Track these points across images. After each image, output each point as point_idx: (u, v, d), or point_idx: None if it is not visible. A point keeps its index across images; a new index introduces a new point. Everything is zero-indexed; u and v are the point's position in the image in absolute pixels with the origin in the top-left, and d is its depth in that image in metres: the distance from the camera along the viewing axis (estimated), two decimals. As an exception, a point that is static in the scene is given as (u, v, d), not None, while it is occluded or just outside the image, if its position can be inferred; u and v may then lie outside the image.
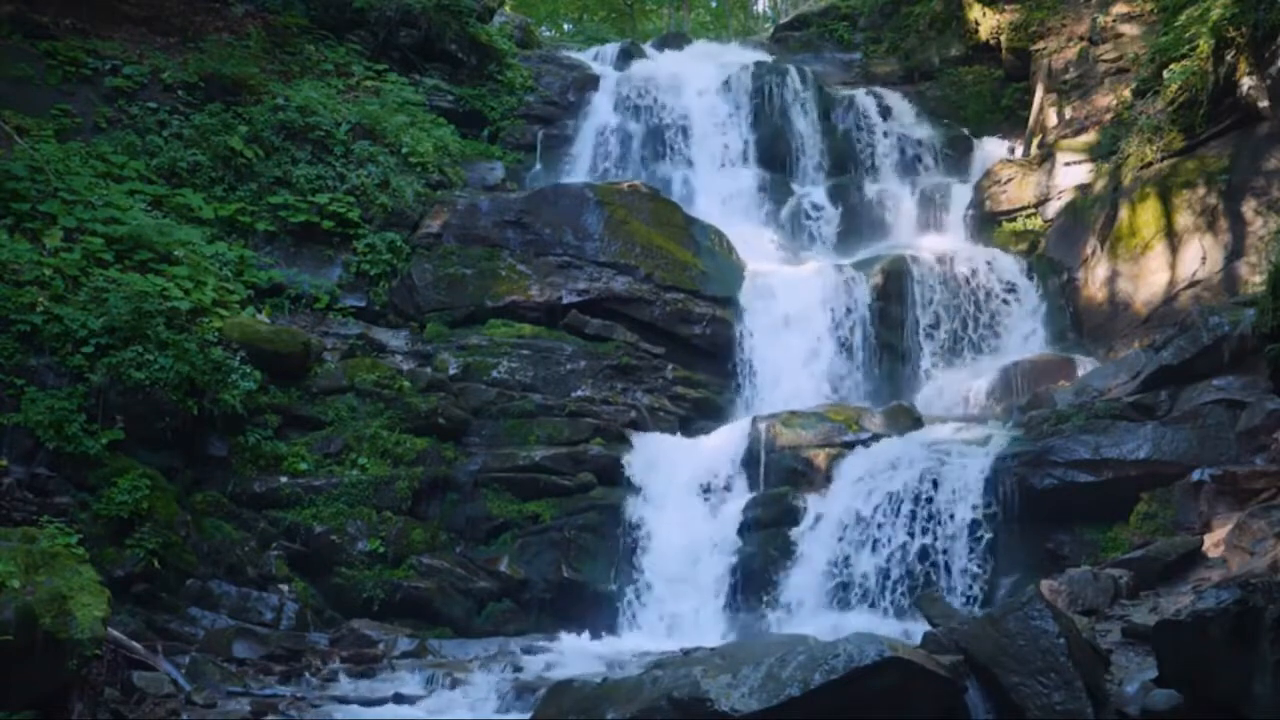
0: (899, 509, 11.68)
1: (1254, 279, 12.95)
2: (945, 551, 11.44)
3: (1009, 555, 11.29)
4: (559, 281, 14.85)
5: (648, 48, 22.51)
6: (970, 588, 11.25)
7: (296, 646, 10.69)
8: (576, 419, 13.55)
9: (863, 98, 19.47)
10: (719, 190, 18.00)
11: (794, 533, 12.09)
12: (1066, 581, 9.66)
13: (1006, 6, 19.98)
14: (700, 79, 19.47)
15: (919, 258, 15.68)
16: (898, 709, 6.93)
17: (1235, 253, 13.70)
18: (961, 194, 17.77)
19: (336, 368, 13.42)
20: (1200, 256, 14.00)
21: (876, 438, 12.77)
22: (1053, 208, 16.57)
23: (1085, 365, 13.80)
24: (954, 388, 14.58)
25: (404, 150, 16.22)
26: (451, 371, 13.80)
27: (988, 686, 7.07)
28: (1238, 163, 14.08)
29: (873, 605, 11.42)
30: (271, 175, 15.06)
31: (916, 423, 13.14)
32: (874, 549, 11.61)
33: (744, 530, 12.33)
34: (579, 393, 13.87)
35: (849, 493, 12.10)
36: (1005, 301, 15.50)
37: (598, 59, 21.22)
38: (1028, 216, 16.86)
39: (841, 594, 11.55)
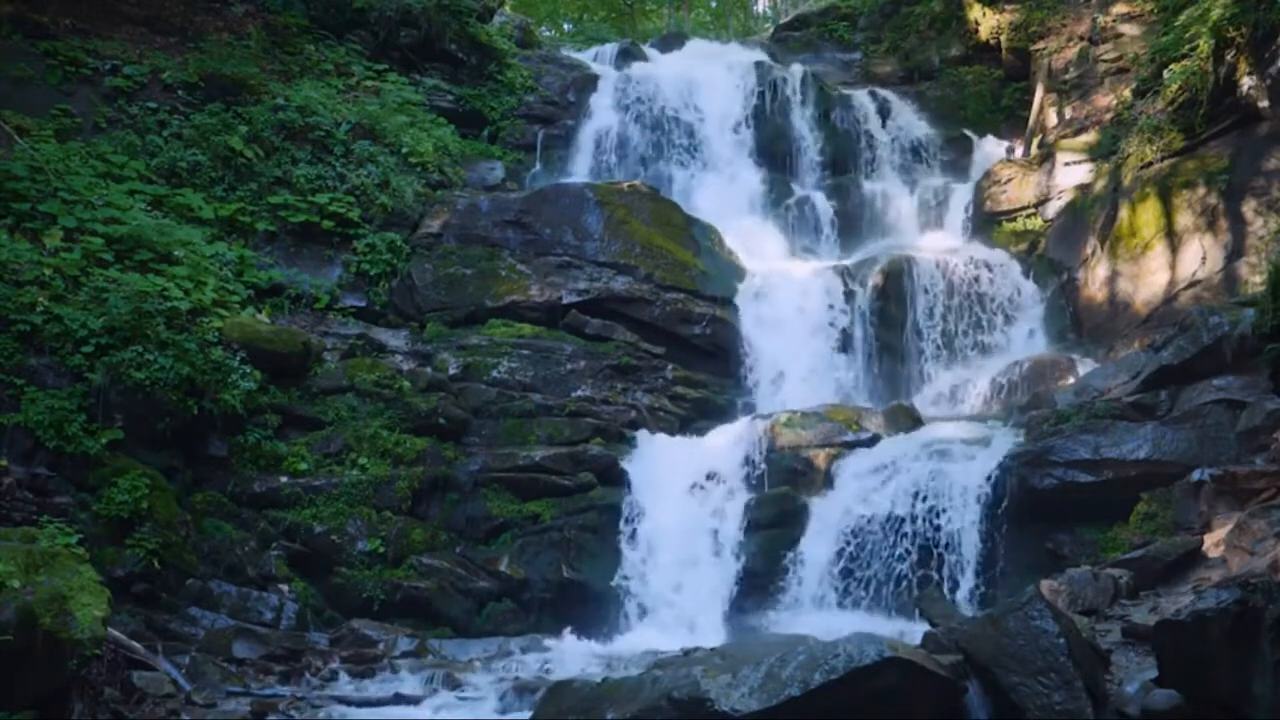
0: (899, 509, 11.69)
1: (1254, 279, 12.94)
2: (945, 551, 11.44)
3: (1009, 555, 11.30)
4: (559, 281, 14.86)
5: (648, 48, 22.49)
6: (970, 588, 11.26)
7: (296, 646, 10.69)
8: (576, 419, 13.55)
9: (863, 98, 19.46)
10: (719, 190, 17.99)
11: (794, 533, 12.09)
12: (1066, 581, 9.66)
13: (1006, 6, 19.98)
14: (700, 79, 19.44)
15: (919, 258, 15.67)
16: (898, 709, 6.91)
17: (1235, 253, 13.70)
18: (961, 194, 17.76)
19: (336, 368, 13.42)
20: (1200, 256, 14.00)
21: (877, 438, 12.81)
22: (1053, 208, 16.55)
23: (1085, 365, 13.79)
24: (954, 388, 14.58)
25: (404, 150, 16.22)
26: (451, 371, 13.81)
27: (988, 686, 7.06)
28: (1238, 163, 14.08)
29: (873, 605, 11.43)
30: (271, 175, 15.06)
31: (916, 423, 13.15)
32: (874, 549, 11.61)
33: (744, 530, 12.33)
34: (579, 393, 13.87)
35: (849, 493, 12.12)
36: (1005, 301, 15.49)
37: (597, 59, 21.20)
38: (1028, 216, 16.83)
39: (842, 594, 11.55)
